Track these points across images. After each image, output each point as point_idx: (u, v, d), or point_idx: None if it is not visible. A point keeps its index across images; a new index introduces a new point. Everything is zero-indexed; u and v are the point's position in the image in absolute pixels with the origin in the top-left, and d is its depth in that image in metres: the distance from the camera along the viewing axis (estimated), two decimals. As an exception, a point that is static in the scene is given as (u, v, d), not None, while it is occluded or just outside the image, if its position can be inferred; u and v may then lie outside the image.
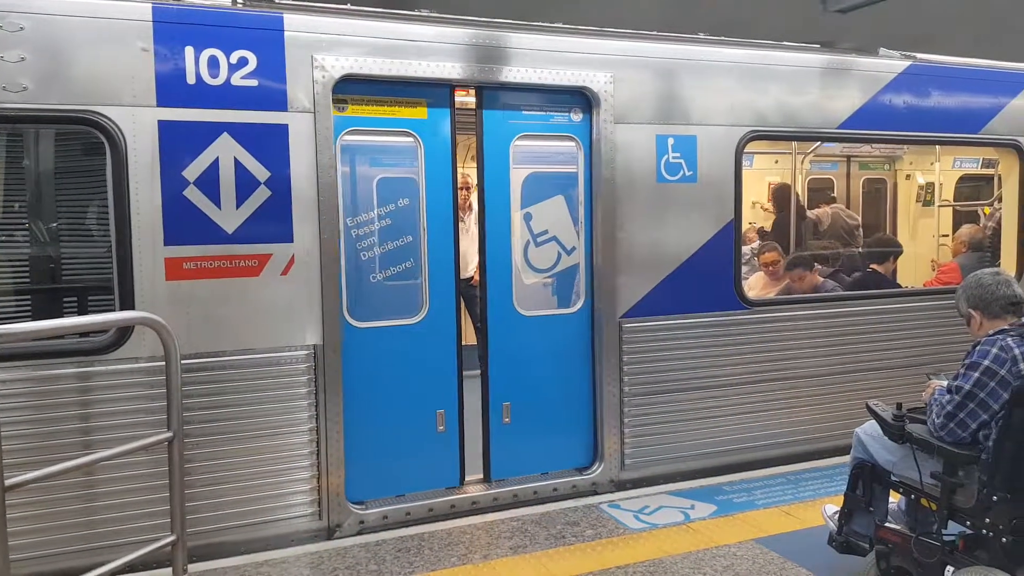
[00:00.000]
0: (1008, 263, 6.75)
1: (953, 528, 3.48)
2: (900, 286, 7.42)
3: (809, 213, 8.83)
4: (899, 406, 3.73)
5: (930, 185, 9.72)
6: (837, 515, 3.99)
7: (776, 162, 9.58)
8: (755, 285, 7.09)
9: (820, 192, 9.74)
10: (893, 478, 3.79)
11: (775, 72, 5.76)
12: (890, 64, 6.19)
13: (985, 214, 9.15)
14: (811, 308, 6.02)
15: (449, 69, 4.85)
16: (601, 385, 5.32)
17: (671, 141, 5.43)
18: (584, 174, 5.33)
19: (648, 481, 5.43)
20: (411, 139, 4.96)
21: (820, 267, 7.06)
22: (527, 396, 5.25)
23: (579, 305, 5.35)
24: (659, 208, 5.41)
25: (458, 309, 5.11)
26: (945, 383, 3.63)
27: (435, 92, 4.98)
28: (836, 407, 5.99)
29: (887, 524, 3.75)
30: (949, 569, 3.38)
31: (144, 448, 3.59)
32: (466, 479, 5.14)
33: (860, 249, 8.12)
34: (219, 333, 4.41)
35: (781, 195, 8.62)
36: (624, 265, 5.33)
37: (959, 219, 9.46)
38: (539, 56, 5.08)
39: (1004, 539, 3.20)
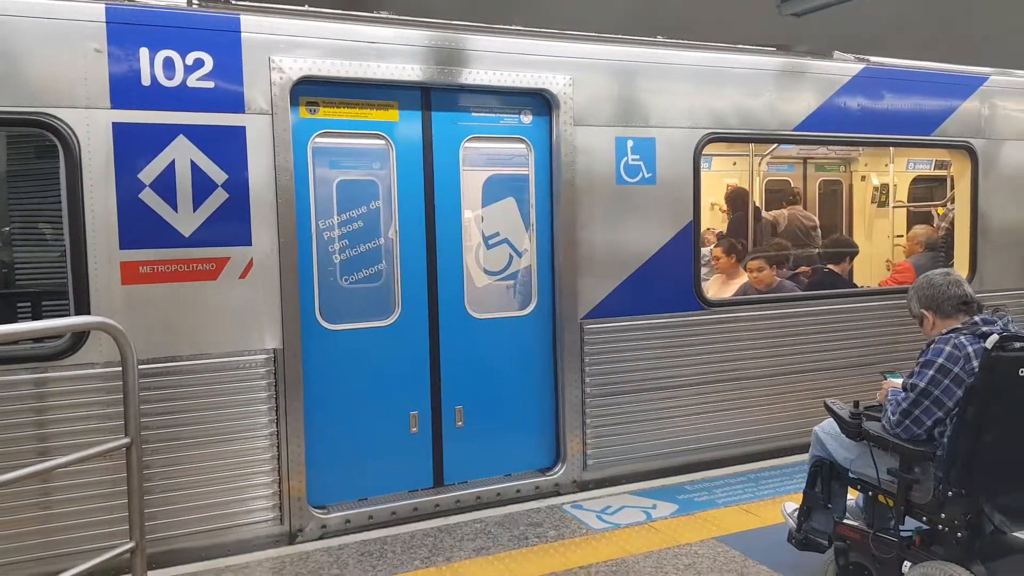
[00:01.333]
0: (960, 263, 6.87)
1: (910, 524, 3.53)
2: (856, 286, 7.53)
3: (765, 215, 8.91)
4: (856, 404, 3.78)
5: (884, 186, 9.85)
6: (796, 512, 4.04)
7: (734, 164, 9.67)
8: (712, 285, 7.17)
9: (777, 194, 9.84)
10: (851, 475, 3.83)
11: (732, 75, 5.81)
12: (844, 67, 6.28)
13: (939, 215, 9.34)
14: (769, 308, 6.09)
15: (409, 71, 4.84)
16: (562, 386, 5.34)
17: (630, 143, 5.46)
18: (535, 176, 5.32)
19: (611, 481, 5.45)
20: (382, 141, 4.94)
21: (777, 268, 7.13)
22: (481, 399, 5.24)
23: (531, 307, 5.35)
24: (619, 210, 5.45)
25: (432, 311, 5.09)
26: (900, 381, 3.70)
27: (406, 95, 4.98)
28: (794, 406, 6.07)
29: (845, 521, 3.81)
30: (906, 564, 3.43)
31: (101, 454, 3.51)
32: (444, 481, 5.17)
33: (817, 250, 8.22)
34: (177, 338, 4.35)
35: (736, 197, 8.71)
36: (585, 267, 5.34)
37: (913, 220, 9.61)
38: (498, 58, 5.08)
39: (959, 534, 3.25)
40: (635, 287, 5.50)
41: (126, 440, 3.48)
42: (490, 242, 5.30)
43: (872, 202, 10.17)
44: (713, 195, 9.17)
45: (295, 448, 4.60)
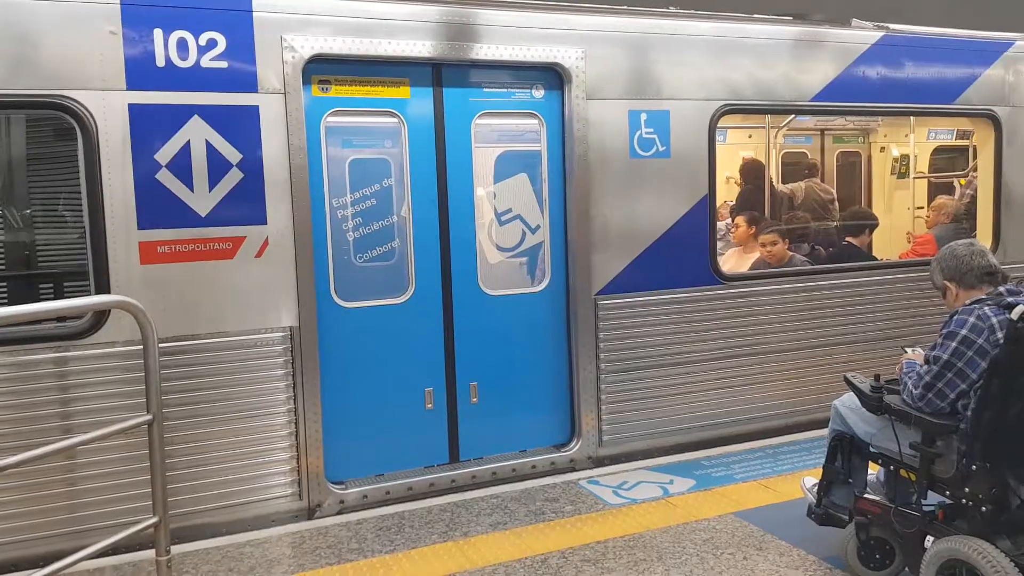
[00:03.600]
0: (983, 234, 6.77)
1: (932, 498, 3.51)
2: (876, 259, 7.42)
3: (782, 187, 8.83)
4: (877, 378, 3.74)
5: (904, 157, 9.72)
6: (816, 487, 4.01)
7: (750, 136, 9.55)
8: (728, 260, 7.07)
9: (795, 166, 9.70)
10: (872, 449, 3.81)
11: (747, 45, 5.70)
12: (863, 35, 6.13)
13: (961, 185, 9.20)
14: (787, 282, 6.00)
15: (419, 48, 4.80)
16: (577, 362, 5.31)
17: (644, 116, 5.37)
18: (548, 151, 5.26)
19: (626, 457, 5.44)
20: (394, 119, 4.92)
21: (792, 243, 7.00)
22: (495, 376, 5.24)
23: (545, 284, 5.31)
24: (633, 184, 5.38)
25: (446, 289, 5.08)
26: (920, 355, 3.65)
27: (417, 71, 4.94)
28: (812, 381, 6.02)
29: (866, 495, 3.77)
30: (929, 539, 3.41)
31: (124, 431, 3.57)
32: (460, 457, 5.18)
33: (835, 223, 8.13)
34: (195, 316, 4.38)
35: (751, 170, 8.56)
36: (599, 242, 5.30)
37: (934, 191, 9.48)
38: (509, 33, 5.03)
39: (983, 508, 3.22)
40: (650, 262, 5.44)
41: (148, 417, 3.52)
42: (503, 218, 5.27)
43: (892, 174, 10.02)
44: (729, 168, 9.05)
45: (312, 425, 4.63)
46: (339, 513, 4.69)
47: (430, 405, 5.08)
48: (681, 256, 5.54)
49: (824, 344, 6.06)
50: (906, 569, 3.62)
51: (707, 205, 5.60)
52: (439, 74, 5.03)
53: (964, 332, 3.33)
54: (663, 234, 5.48)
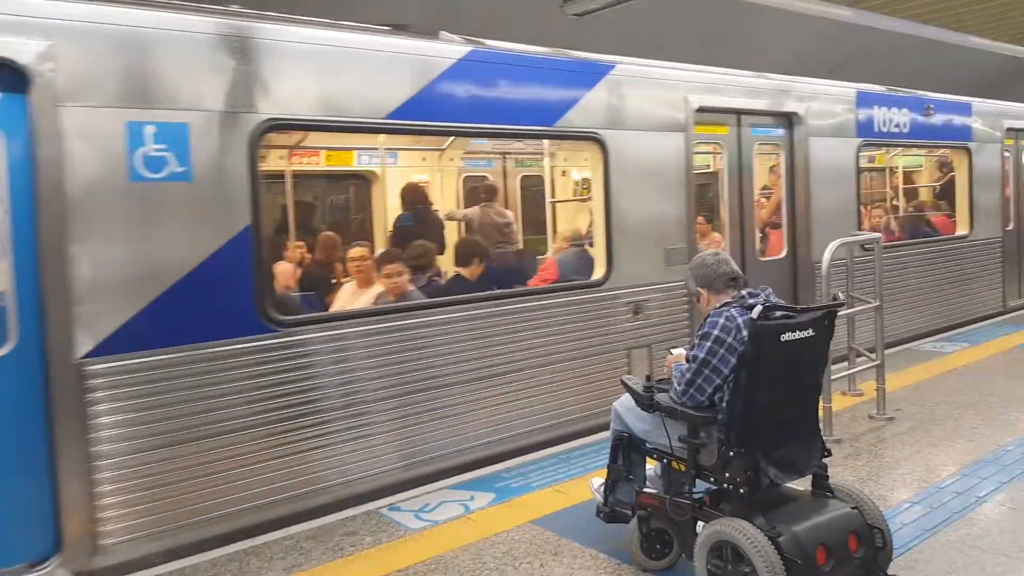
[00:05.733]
0: (599, 259, 6.50)
1: (702, 486, 3.79)
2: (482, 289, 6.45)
3: (454, 213, 8.70)
4: (648, 378, 4.02)
5: (586, 181, 9.47)
6: (603, 487, 4.22)
7: (424, 159, 9.04)
8: (343, 295, 6.49)
9: (476, 190, 9.26)
10: (648, 446, 4.05)
11: (302, 52, 4.91)
12: (447, 49, 5.61)
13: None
14: (371, 322, 5.21)
15: None
16: (58, 451, 4.11)
17: (151, 130, 4.35)
18: (8, 175, 4.07)
19: (139, 564, 4.30)
20: None
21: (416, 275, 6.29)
22: None
23: (7, 348, 4.05)
24: (137, 214, 4.33)
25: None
26: (683, 354, 3.95)
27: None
28: (412, 431, 5.34)
29: (646, 490, 4.02)
30: (700, 524, 3.68)
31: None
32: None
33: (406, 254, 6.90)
34: None
35: (413, 194, 8.07)
36: (87, 289, 4.16)
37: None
38: None
39: (742, 491, 3.51)
40: (165, 312, 4.39)
41: None
42: None
43: (573, 196, 10.26)
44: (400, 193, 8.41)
45: None
46: None
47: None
48: (211, 301, 4.54)
49: (412, 392, 5.34)
50: (683, 555, 3.88)
51: (250, 237, 4.66)
52: None
53: (716, 332, 3.65)
54: (186, 275, 4.47)
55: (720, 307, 3.78)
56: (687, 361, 3.77)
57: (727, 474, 3.56)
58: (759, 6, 11.95)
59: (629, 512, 4.07)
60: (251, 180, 4.69)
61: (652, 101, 6.76)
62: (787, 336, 3.50)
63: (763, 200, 8.83)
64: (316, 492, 4.93)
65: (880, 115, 8.97)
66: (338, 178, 9.39)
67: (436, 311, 5.56)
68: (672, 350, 4.20)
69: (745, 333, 3.57)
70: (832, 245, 6.18)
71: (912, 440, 5.77)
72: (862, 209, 9.07)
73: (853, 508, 3.58)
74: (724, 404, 3.62)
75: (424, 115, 5.46)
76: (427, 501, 5.03)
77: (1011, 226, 11.23)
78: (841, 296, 4.26)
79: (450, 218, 8.76)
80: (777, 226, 8.40)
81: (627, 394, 4.10)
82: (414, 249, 6.59)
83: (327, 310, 6.30)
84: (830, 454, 3.82)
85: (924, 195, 12.32)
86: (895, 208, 11.84)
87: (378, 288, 6.10)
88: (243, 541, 4.54)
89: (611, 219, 6.43)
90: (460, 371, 5.58)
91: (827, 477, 3.74)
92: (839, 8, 12.81)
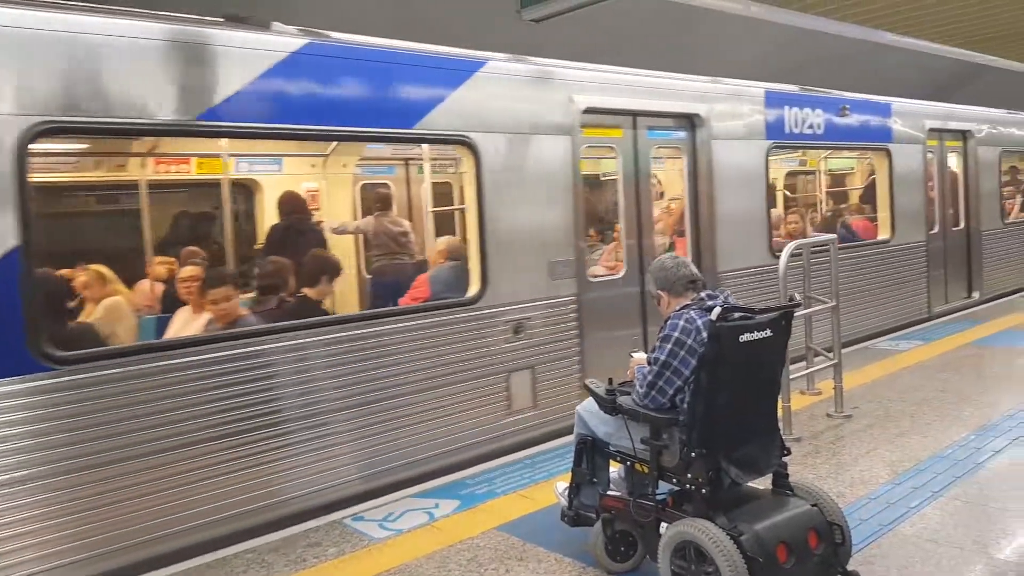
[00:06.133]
0: (473, 277, 5.98)
1: (665, 488, 3.82)
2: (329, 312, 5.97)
3: (343, 223, 8.08)
4: (611, 381, 4.04)
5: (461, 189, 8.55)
6: (567, 491, 4.24)
7: (313, 166, 8.32)
8: (177, 321, 5.68)
9: (376, 200, 8.51)
10: (611, 448, 4.08)
11: (82, 44, 4.27)
12: (278, 41, 4.98)
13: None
14: (179, 355, 4.53)
15: None
16: None
17: None
18: None
19: None
20: None
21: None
22: None
23: None
24: None
25: None
26: (643, 357, 3.98)
27: None
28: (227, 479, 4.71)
29: (609, 492, 4.04)
30: (664, 525, 3.71)
31: None
32: None
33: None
34: None
35: (287, 204, 7.25)
36: None
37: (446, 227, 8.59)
38: None
39: (704, 491, 3.55)
40: None
41: None
42: None
43: (451, 206, 9.26)
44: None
45: None
46: None
47: None
48: None
49: (238, 433, 4.73)
50: (647, 557, 3.91)
51: (16, 260, 4.01)
52: None
53: (676, 335, 3.68)
54: None
55: (680, 309, 3.81)
56: (649, 364, 3.80)
57: (689, 475, 3.59)
58: (714, 12, 12.09)
59: (593, 515, 4.09)
60: (19, 190, 4.01)
61: (531, 101, 6.24)
62: (746, 337, 3.54)
63: (672, 206, 8.43)
64: (101, 556, 4.23)
65: (792, 116, 8.63)
66: (185, 188, 8.25)
67: (268, 338, 4.87)
68: (633, 354, 4.23)
69: (705, 335, 3.61)
70: (788, 247, 6.22)
71: (869, 437, 5.88)
72: (779, 215, 8.86)
73: (813, 505, 3.63)
74: (685, 406, 3.66)
75: (249, 116, 4.85)
76: (391, 510, 5.00)
77: (936, 229, 11.00)
78: (797, 297, 4.33)
79: (341, 230, 8.03)
80: (683, 234, 7.92)
81: (590, 398, 4.12)
82: (265, 266, 6.02)
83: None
84: (790, 453, 3.88)
85: (851, 198, 12.12)
86: (818, 213, 11.71)
87: (207, 315, 5.39)
88: (205, 554, 4.47)
89: (485, 230, 5.90)
90: (304, 405, 4.96)
91: (787, 475, 3.79)
92: (794, 14, 13.04)
